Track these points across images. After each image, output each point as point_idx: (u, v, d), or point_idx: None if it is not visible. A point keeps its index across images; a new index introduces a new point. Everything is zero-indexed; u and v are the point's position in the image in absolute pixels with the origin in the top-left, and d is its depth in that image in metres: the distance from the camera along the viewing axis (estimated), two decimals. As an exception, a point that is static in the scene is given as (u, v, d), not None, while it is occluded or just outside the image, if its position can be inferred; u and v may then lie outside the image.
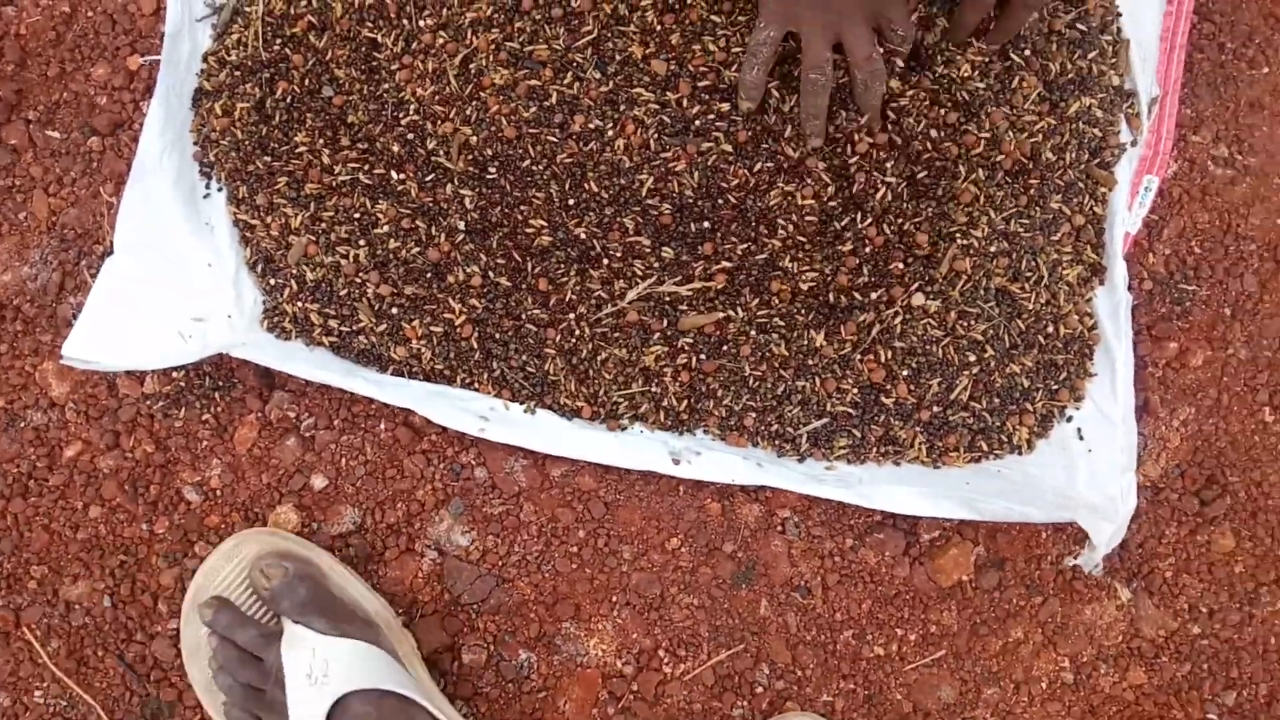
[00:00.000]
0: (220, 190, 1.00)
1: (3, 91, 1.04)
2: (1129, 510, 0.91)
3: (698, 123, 0.96)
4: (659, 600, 1.01)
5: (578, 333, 0.97)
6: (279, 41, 0.99)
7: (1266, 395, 1.01)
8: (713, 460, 0.96)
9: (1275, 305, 1.02)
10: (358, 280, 0.97)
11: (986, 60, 0.95)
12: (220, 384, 1.02)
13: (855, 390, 0.96)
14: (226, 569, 0.95)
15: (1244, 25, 1.03)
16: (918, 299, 0.94)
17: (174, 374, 1.02)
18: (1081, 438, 0.96)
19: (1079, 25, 0.98)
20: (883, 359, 0.95)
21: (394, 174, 0.98)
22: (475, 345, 0.97)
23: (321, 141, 0.98)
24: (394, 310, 0.97)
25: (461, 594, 1.00)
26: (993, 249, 0.94)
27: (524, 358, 0.97)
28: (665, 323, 0.97)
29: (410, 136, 0.98)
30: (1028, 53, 0.96)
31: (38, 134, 1.05)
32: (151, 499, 1.02)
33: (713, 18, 0.96)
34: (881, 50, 0.90)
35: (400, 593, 1.01)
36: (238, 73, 0.99)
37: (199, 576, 0.95)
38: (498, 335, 0.97)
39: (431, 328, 0.97)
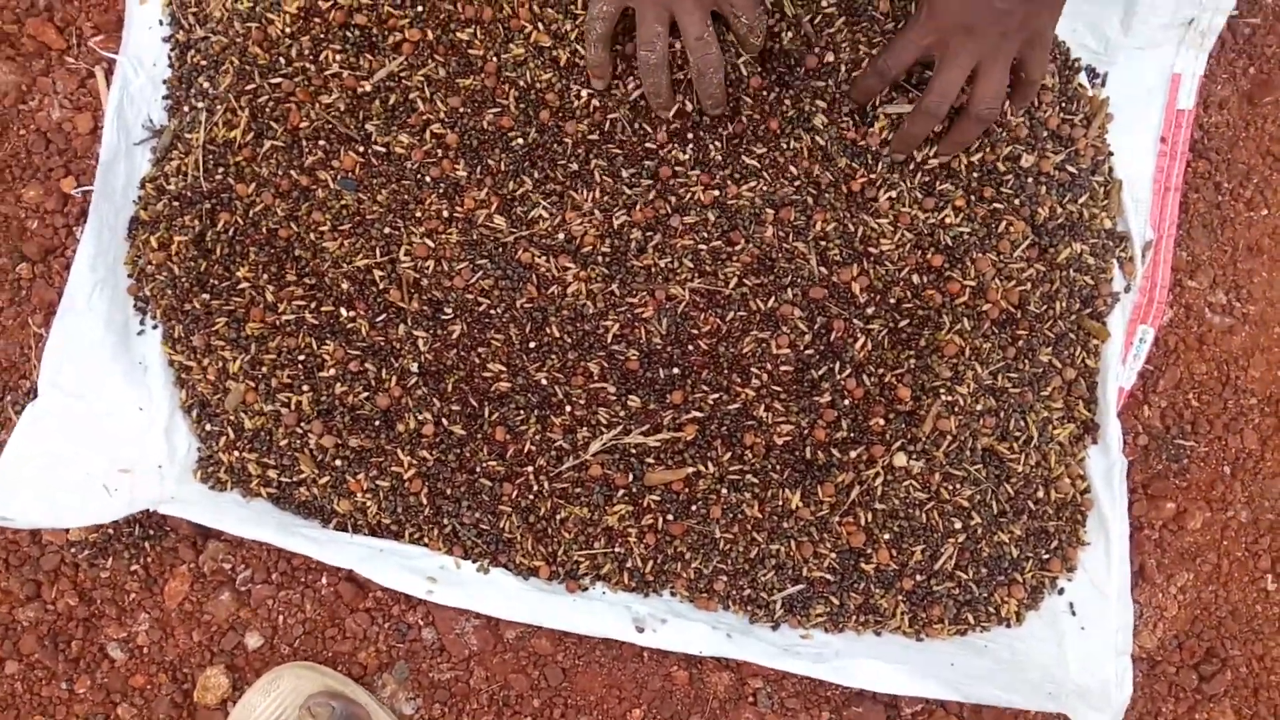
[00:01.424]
0: (155, 328, 0.93)
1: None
2: (1124, 700, 0.84)
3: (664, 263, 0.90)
4: (619, 775, 0.93)
5: (536, 488, 0.90)
6: (222, 170, 0.92)
7: (1269, 561, 0.95)
8: (679, 628, 0.89)
9: (1278, 463, 0.96)
10: (299, 430, 0.90)
11: (969, 201, 0.89)
12: (151, 532, 0.95)
13: (833, 555, 0.89)
14: (264, 704, 0.89)
15: (1241, 164, 0.99)
16: (900, 459, 0.88)
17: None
18: (1074, 613, 0.89)
19: (1069, 167, 0.92)
20: (863, 522, 0.89)
21: (343, 311, 0.91)
22: (425, 500, 0.90)
23: (266, 277, 0.92)
24: (338, 462, 0.90)
25: (405, 767, 0.93)
26: (979, 406, 0.89)
27: (477, 514, 0.90)
28: (630, 478, 0.90)
29: (361, 273, 0.92)
30: (1016, 197, 0.90)
31: (-37, 264, 0.98)
32: (73, 656, 0.95)
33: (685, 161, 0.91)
34: (728, 36, 0.86)
35: (339, 765, 0.93)
36: (176, 203, 0.92)
37: (237, 712, 0.90)
38: (449, 490, 0.90)
39: (378, 481, 0.90)
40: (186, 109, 0.94)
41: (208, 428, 0.92)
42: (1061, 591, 0.90)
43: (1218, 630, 0.94)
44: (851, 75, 0.90)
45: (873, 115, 0.90)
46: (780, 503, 0.89)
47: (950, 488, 0.88)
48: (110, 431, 0.90)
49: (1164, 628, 0.94)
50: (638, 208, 0.91)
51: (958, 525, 0.88)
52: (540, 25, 0.91)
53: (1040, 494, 0.90)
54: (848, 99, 0.90)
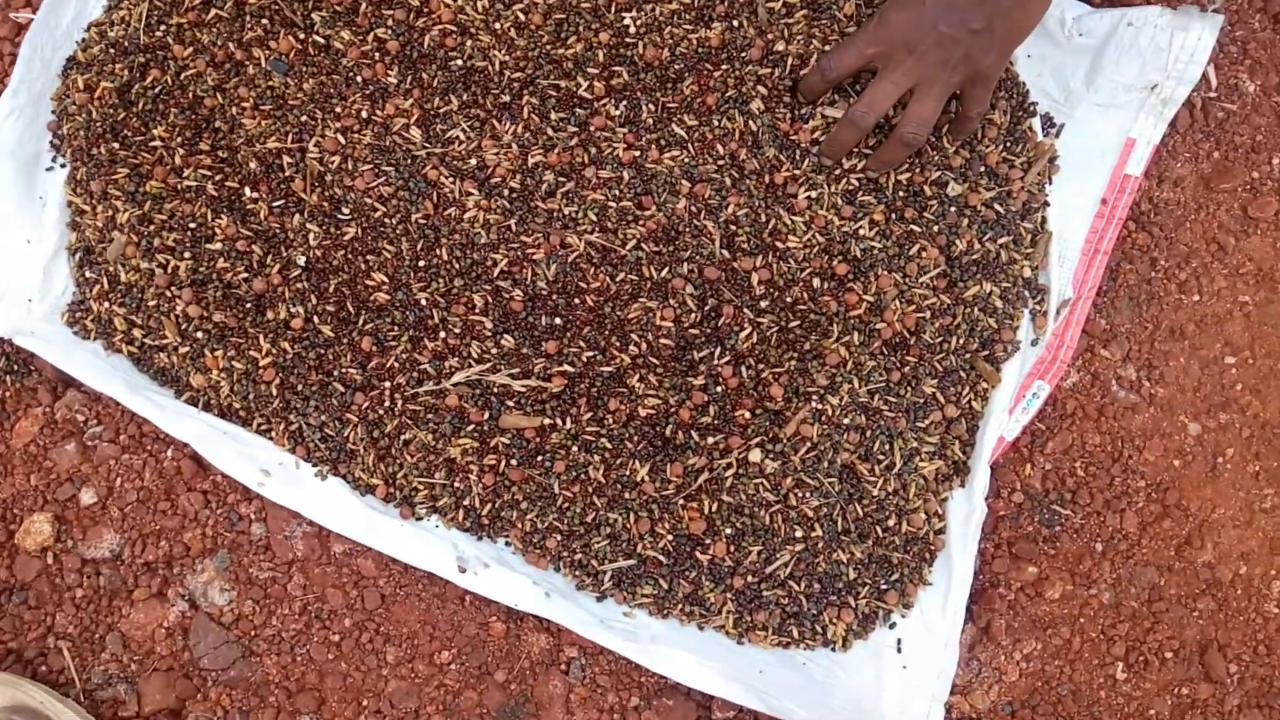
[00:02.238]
0: (64, 167, 0.93)
1: (-119, 15, 0.98)
2: (927, 746, 0.81)
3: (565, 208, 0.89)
4: (412, 716, 0.91)
5: (387, 404, 0.89)
6: (164, 28, 0.92)
7: (1123, 649, 0.91)
8: (501, 577, 0.87)
9: (1152, 553, 0.92)
10: (169, 294, 0.90)
11: (888, 218, 0.87)
12: (15, 368, 0.94)
13: (670, 537, 0.86)
14: None
15: (1183, 245, 0.95)
16: (755, 454, 0.85)
17: (-31, 347, 0.94)
18: (900, 650, 0.86)
19: (998, 205, 0.90)
20: (706, 510, 0.86)
21: (247, 190, 0.91)
22: (275, 391, 0.89)
23: (179, 140, 0.92)
24: (200, 334, 0.89)
25: (202, 657, 0.91)
26: (847, 420, 0.86)
27: (324, 417, 0.89)
28: (486, 415, 0.88)
29: (271, 155, 0.91)
30: (936, 223, 0.88)
31: (-95, 66, 0.99)
32: (-93, 472, 0.94)
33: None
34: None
35: (139, 639, 0.91)
36: (112, 50, 0.93)
37: None
38: (301, 387, 0.89)
39: (234, 362, 0.89)
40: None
41: (86, 274, 0.91)
42: (893, 626, 0.87)
43: (1055, 707, 0.90)
44: (799, 70, 0.89)
45: (810, 113, 0.89)
46: (627, 473, 0.87)
47: (800, 494, 0.85)
48: (-10, 256, 0.90)
49: (1000, 691, 0.90)
50: (556, 150, 0.90)
51: (799, 534, 0.85)
52: None
53: (891, 522, 0.87)
54: (792, 92, 0.88)
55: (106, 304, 0.90)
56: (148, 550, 0.92)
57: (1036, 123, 0.94)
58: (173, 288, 0.89)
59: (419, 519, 0.89)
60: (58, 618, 0.91)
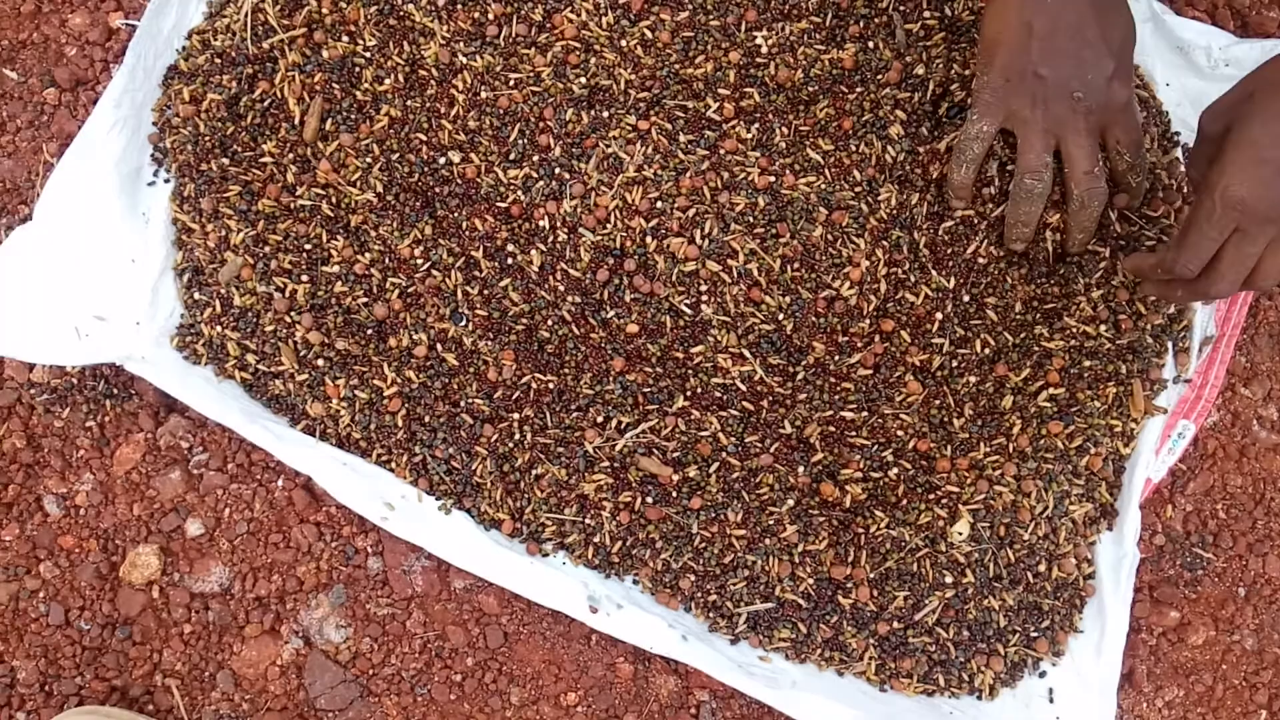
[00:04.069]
0: (167, 182, 0.89)
1: (-34, 14, 0.93)
2: (1085, 804, 0.78)
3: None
4: (536, 757, 0.88)
5: (518, 437, 0.85)
6: (272, 37, 0.87)
7: (1266, 697, 0.89)
8: (634, 618, 0.83)
9: (1297, 596, 0.90)
10: (288, 319, 0.85)
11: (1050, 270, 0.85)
12: (115, 391, 0.90)
13: (811, 580, 0.83)
14: None
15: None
16: (925, 517, 0.83)
17: (69, 368, 0.89)
18: (1052, 700, 0.83)
19: (1148, 242, 0.86)
20: (849, 555, 0.83)
21: (364, 214, 0.87)
22: (401, 422, 0.85)
23: (291, 157, 0.87)
24: (320, 361, 0.85)
25: (318, 697, 0.87)
26: (1009, 468, 0.83)
27: (451, 450, 0.85)
28: (617, 449, 0.84)
29: (399, 173, 0.87)
30: (1093, 270, 0.85)
31: (-8, 69, 0.94)
32: (7, 500, 0.90)
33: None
34: (1104, 167, 0.79)
35: (251, 677, 0.88)
36: (218, 59, 0.88)
37: None
38: (428, 418, 0.85)
39: (357, 391, 0.85)
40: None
41: (196, 295, 0.87)
42: (1043, 675, 0.84)
43: (1195, 755, 0.88)
44: (939, 94, 0.84)
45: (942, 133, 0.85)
46: (772, 523, 0.83)
47: (950, 541, 0.82)
48: (96, 276, 0.85)
49: (1140, 740, 0.88)
50: (688, 175, 0.86)
51: (948, 580, 0.83)
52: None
53: (1042, 568, 0.84)
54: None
55: (219, 328, 0.86)
56: (259, 584, 0.88)
57: (1179, 153, 0.90)
58: (292, 313, 0.85)
59: (545, 555, 0.86)
60: (165, 654, 0.88)
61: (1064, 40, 0.73)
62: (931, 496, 0.83)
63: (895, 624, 0.83)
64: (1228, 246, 0.71)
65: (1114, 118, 0.77)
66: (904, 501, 0.83)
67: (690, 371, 0.85)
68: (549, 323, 0.86)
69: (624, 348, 0.85)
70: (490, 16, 0.88)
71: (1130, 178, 0.81)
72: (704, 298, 0.85)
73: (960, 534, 0.82)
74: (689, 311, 0.85)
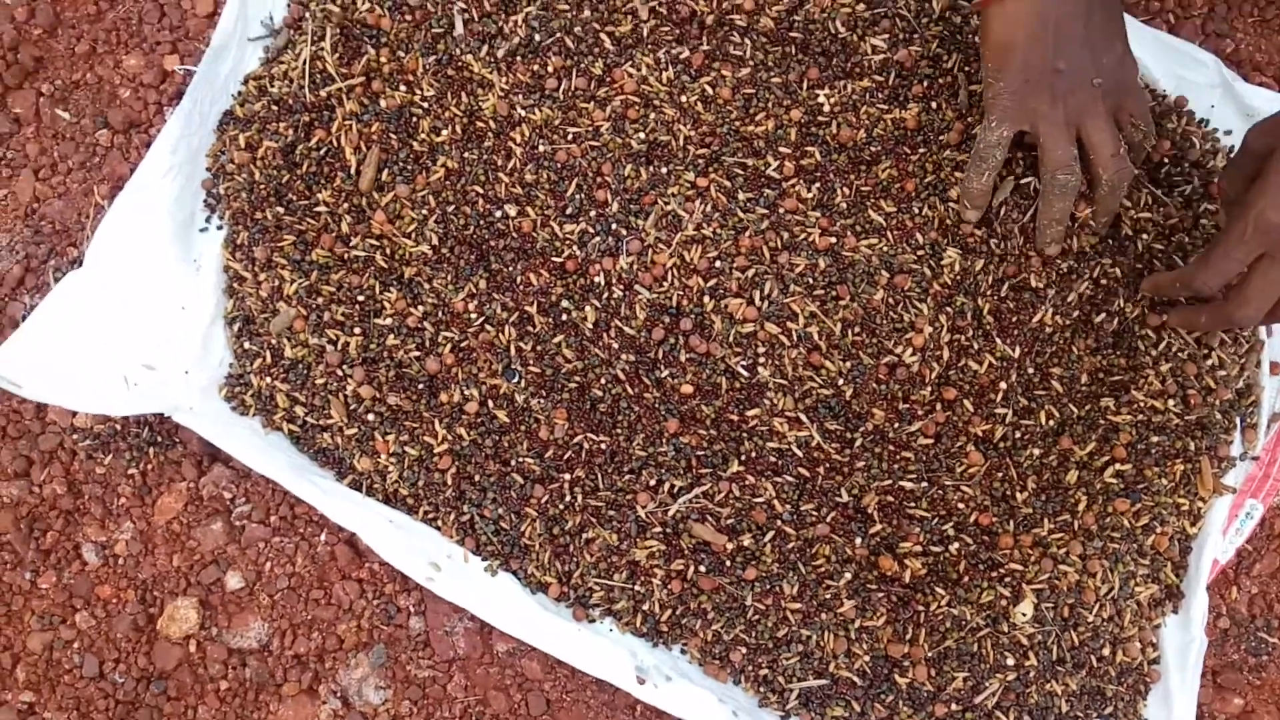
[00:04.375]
0: (220, 229, 0.87)
1: (23, 55, 0.93)
2: None
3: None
4: (577, 828, 0.85)
5: (568, 499, 0.83)
6: (330, 86, 0.86)
7: (1334, 788, 0.86)
8: (684, 691, 0.81)
9: (1369, 685, 0.87)
10: (340, 372, 0.84)
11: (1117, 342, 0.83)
12: (158, 439, 0.89)
13: (867, 657, 0.81)
14: None
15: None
16: (986, 597, 0.81)
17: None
18: (1114, 788, 0.80)
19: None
20: (907, 632, 0.81)
21: (418, 267, 0.85)
22: (450, 480, 0.83)
23: (346, 206, 0.86)
24: (370, 416, 0.84)
25: (355, 758, 0.85)
26: (1075, 547, 0.81)
27: (501, 510, 0.83)
28: (669, 515, 0.82)
29: (455, 226, 0.86)
30: (1158, 346, 0.83)
31: (46, 110, 0.93)
32: (45, 546, 0.88)
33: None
34: (1124, 145, 0.78)
35: (286, 736, 0.86)
36: (275, 107, 0.87)
37: None
38: (479, 477, 0.83)
39: (407, 447, 0.83)
40: (308, 16, 0.88)
41: (246, 345, 0.85)
42: (1105, 762, 0.81)
43: None
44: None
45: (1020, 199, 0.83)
46: (828, 597, 0.81)
47: (1013, 621, 0.80)
48: (145, 323, 0.84)
49: (1202, 830, 0.85)
50: (748, 234, 0.84)
51: (1010, 662, 0.80)
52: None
53: (1106, 651, 0.81)
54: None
55: (269, 379, 0.85)
56: (298, 642, 0.86)
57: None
58: (344, 366, 0.83)
59: (592, 621, 0.84)
60: (200, 710, 0.86)
61: (1077, 29, 0.73)
62: (994, 574, 0.80)
63: (953, 706, 0.80)
64: (1255, 271, 0.70)
65: (1127, 93, 0.78)
66: (965, 579, 0.80)
67: (745, 435, 0.83)
68: (602, 381, 0.84)
69: (678, 409, 0.83)
70: (550, 70, 0.86)
71: (1145, 144, 0.81)
72: (761, 360, 0.83)
73: (1024, 615, 0.79)
74: (745, 373, 0.83)
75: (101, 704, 0.86)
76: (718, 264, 0.84)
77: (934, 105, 0.86)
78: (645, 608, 0.83)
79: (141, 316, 0.84)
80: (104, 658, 0.87)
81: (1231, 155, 0.86)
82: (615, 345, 0.84)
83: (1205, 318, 0.77)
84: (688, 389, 0.83)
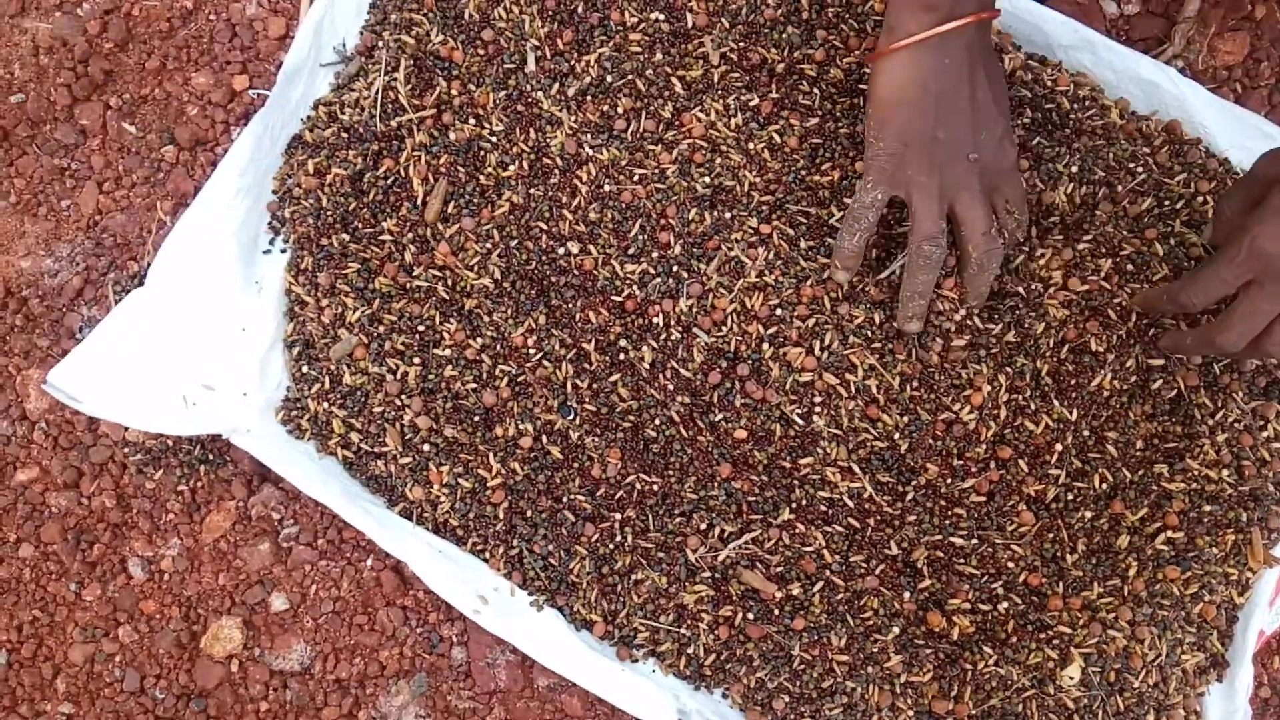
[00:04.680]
0: (284, 251, 0.88)
1: (93, 68, 0.93)
2: None
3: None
4: None
5: (619, 539, 0.83)
6: (401, 116, 0.87)
7: None
8: (725, 737, 0.81)
9: None
10: (398, 401, 0.84)
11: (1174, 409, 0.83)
12: (210, 457, 0.89)
13: (911, 712, 0.81)
14: None
15: None
16: (1035, 658, 0.81)
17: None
18: None
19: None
20: (953, 689, 0.81)
21: (478, 299, 0.86)
22: (502, 515, 0.84)
23: (411, 236, 0.86)
24: (426, 446, 0.84)
25: (392, 787, 0.85)
26: (1125, 613, 0.81)
27: (551, 546, 0.83)
28: (718, 559, 0.83)
29: (517, 260, 0.86)
30: (1214, 415, 0.83)
31: (113, 123, 0.94)
32: (92, 559, 0.89)
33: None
34: (999, 227, 0.79)
35: (325, 762, 0.86)
36: (345, 134, 0.87)
37: None
38: (530, 512, 0.84)
39: (460, 480, 0.84)
40: (380, 45, 0.89)
41: (304, 369, 0.86)
42: (1145, 831, 0.81)
43: None
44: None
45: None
46: (876, 651, 0.81)
47: (1059, 684, 0.80)
48: (206, 344, 0.84)
49: None
50: (809, 283, 0.85)
51: (1054, 723, 0.80)
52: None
53: (1150, 718, 0.81)
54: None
55: (325, 404, 0.85)
56: (340, 666, 0.87)
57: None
58: (402, 395, 0.84)
59: (635, 661, 0.84)
60: (239, 731, 0.86)
61: (960, 101, 0.72)
62: (1042, 635, 0.80)
63: (995, 764, 0.80)
64: (1242, 297, 0.71)
65: (1004, 177, 0.77)
66: (1013, 638, 0.81)
67: (797, 483, 0.83)
68: (656, 422, 0.84)
69: (731, 453, 0.84)
70: (619, 110, 0.87)
71: (1018, 233, 0.81)
72: (817, 409, 0.84)
73: (1071, 678, 0.79)
74: (800, 422, 0.84)
75: (141, 719, 0.86)
76: (778, 311, 0.84)
77: None
78: (690, 651, 0.83)
79: (202, 336, 0.85)
80: (145, 673, 0.87)
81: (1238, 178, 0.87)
82: (671, 387, 0.84)
83: (1190, 340, 0.77)
84: (741, 434, 0.84)
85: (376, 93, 0.87)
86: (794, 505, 0.83)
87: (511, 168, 0.87)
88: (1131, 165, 0.86)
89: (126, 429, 0.89)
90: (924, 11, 0.70)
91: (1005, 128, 0.76)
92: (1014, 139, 0.77)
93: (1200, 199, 0.85)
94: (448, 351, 0.85)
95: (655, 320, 0.85)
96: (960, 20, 0.70)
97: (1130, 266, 0.84)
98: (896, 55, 0.72)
